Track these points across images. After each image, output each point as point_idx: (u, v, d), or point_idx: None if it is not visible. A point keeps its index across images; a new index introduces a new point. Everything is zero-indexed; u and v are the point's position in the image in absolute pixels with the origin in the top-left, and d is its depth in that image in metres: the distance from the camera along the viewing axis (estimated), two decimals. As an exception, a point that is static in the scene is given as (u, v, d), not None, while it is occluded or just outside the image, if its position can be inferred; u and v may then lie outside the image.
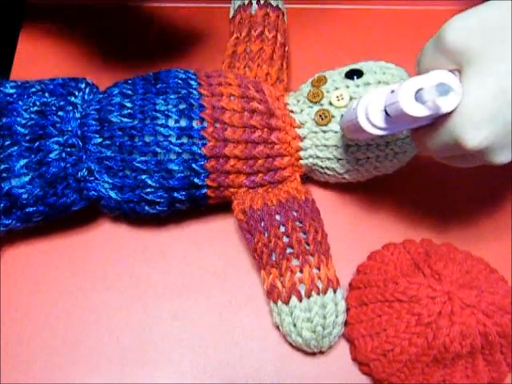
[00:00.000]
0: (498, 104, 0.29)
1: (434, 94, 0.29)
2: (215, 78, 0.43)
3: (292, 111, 0.43)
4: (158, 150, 0.40)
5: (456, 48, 0.30)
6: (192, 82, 0.42)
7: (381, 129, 0.33)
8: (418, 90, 0.29)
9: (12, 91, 0.42)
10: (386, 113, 0.32)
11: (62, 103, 0.41)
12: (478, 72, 0.29)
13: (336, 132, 0.41)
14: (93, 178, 0.41)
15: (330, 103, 0.42)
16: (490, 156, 0.31)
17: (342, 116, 0.39)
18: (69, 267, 0.44)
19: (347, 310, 0.40)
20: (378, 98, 0.33)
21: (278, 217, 0.41)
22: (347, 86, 0.42)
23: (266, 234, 0.40)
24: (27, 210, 0.40)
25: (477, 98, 0.29)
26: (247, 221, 0.41)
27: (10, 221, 0.40)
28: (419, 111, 0.30)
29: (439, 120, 0.31)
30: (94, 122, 0.41)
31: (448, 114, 0.30)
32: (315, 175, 0.46)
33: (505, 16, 0.29)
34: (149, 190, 0.40)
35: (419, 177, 0.47)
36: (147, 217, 0.43)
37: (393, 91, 0.31)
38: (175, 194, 0.41)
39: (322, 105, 0.42)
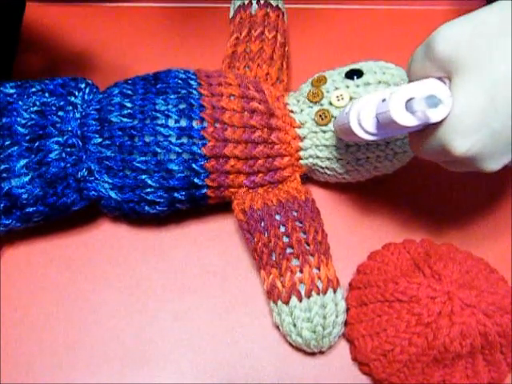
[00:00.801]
0: (486, 113, 0.29)
1: (424, 105, 0.29)
2: (215, 77, 0.43)
3: (292, 111, 0.43)
4: (158, 150, 0.40)
5: (445, 57, 0.30)
6: (192, 82, 0.42)
7: (372, 134, 0.34)
8: (409, 100, 0.30)
9: (12, 91, 0.42)
10: (378, 119, 0.33)
11: (62, 103, 0.41)
12: (466, 81, 0.29)
13: (336, 132, 0.42)
14: (93, 178, 0.41)
15: (330, 103, 0.42)
16: (479, 163, 0.31)
17: (335, 118, 0.39)
18: (69, 267, 0.44)
19: (347, 310, 0.40)
20: (369, 104, 0.33)
21: (278, 217, 0.41)
22: (347, 86, 0.42)
23: (266, 234, 0.40)
24: (27, 209, 0.40)
25: (465, 107, 0.29)
26: (247, 221, 0.41)
27: (10, 221, 0.40)
28: (409, 121, 0.30)
29: (429, 127, 0.31)
30: (93, 122, 0.41)
31: (437, 122, 0.30)
32: (315, 175, 0.46)
33: (493, 25, 0.29)
34: (149, 189, 0.40)
35: (419, 177, 0.47)
36: (147, 217, 0.43)
37: (384, 100, 0.32)
38: (175, 194, 0.41)
39: (322, 105, 0.42)
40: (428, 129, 0.31)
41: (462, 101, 0.29)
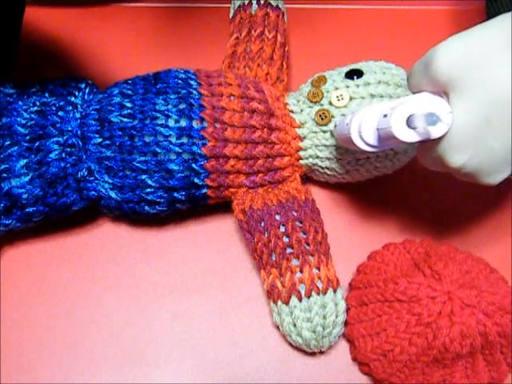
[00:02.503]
0: (482, 131, 0.30)
1: (424, 122, 0.30)
2: (215, 78, 0.43)
3: (292, 111, 0.43)
4: (158, 149, 0.40)
5: (442, 76, 0.30)
6: (192, 82, 0.42)
7: (373, 146, 0.35)
8: (410, 116, 0.31)
9: (12, 91, 0.42)
10: (379, 133, 0.33)
11: (61, 103, 0.41)
12: (463, 100, 0.30)
13: (336, 132, 0.42)
14: (93, 178, 0.41)
15: (330, 103, 0.42)
16: (477, 177, 0.32)
17: (335, 126, 0.40)
18: (69, 267, 0.44)
19: (347, 309, 0.40)
20: (370, 117, 0.34)
21: (277, 217, 0.41)
22: (347, 86, 0.42)
23: (266, 234, 0.40)
24: (27, 210, 0.40)
25: (461, 125, 0.30)
26: (247, 221, 0.41)
27: (10, 221, 0.40)
28: (411, 137, 0.31)
29: (430, 140, 0.32)
30: (94, 122, 0.41)
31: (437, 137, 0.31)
32: (315, 175, 0.46)
33: (490, 44, 0.30)
34: (149, 190, 0.40)
35: (419, 177, 0.47)
36: (147, 217, 0.43)
37: (385, 115, 0.32)
38: (175, 194, 0.41)
39: (321, 105, 0.42)
40: (428, 142, 0.32)
41: (459, 118, 0.30)
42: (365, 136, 0.34)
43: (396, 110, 0.31)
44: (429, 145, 0.32)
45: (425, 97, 0.32)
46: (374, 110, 0.34)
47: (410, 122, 0.31)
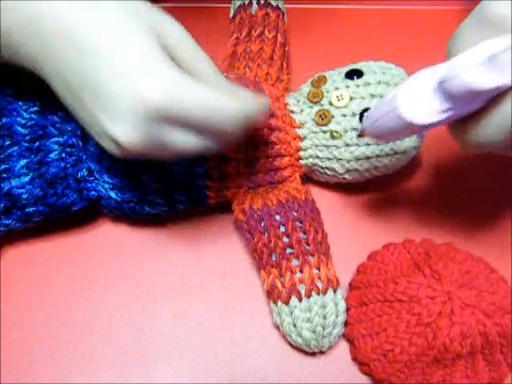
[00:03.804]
0: None
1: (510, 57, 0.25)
2: (215, 78, 0.43)
3: (292, 111, 0.43)
4: (158, 150, 0.40)
5: (501, 15, 0.27)
6: (192, 82, 0.42)
7: (430, 116, 0.28)
8: (489, 57, 0.26)
9: (12, 91, 0.42)
10: (441, 93, 0.28)
11: (61, 103, 0.41)
12: None
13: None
14: (93, 178, 0.41)
15: (330, 103, 0.42)
16: None
17: (365, 118, 0.34)
18: (69, 267, 0.44)
19: (347, 309, 0.40)
20: (422, 79, 0.29)
21: (277, 217, 0.41)
22: (347, 86, 0.42)
23: (266, 234, 0.40)
24: (27, 210, 0.40)
25: None
26: (247, 221, 0.41)
27: (10, 221, 0.40)
28: (492, 81, 0.26)
29: (496, 99, 0.27)
30: (94, 122, 0.41)
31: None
32: (315, 175, 0.46)
33: None
34: (149, 190, 0.40)
35: (419, 177, 0.47)
36: (147, 217, 0.43)
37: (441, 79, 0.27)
38: (175, 195, 0.41)
39: (322, 105, 0.42)
40: (492, 103, 0.27)
41: None
42: (419, 104, 0.28)
43: (463, 57, 0.26)
44: (492, 108, 0.27)
45: (485, 42, 0.26)
46: (424, 73, 0.28)
47: (492, 63, 0.25)
